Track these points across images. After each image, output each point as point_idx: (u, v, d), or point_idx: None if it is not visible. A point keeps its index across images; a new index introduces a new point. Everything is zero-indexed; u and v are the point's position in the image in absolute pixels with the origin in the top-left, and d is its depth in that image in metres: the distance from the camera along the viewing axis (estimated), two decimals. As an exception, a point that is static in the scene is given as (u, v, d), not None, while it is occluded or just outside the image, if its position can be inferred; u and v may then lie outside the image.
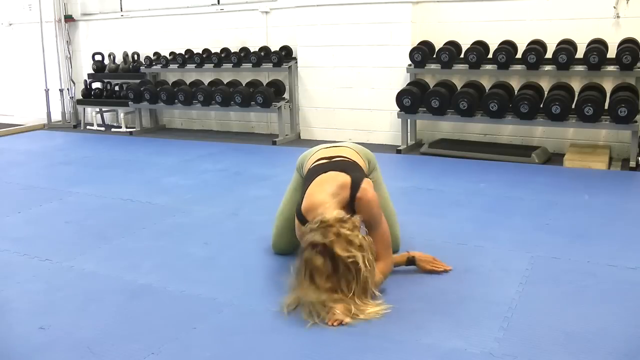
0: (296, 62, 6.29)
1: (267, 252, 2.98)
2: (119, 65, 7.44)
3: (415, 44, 5.62)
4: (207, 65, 6.69)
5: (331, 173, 2.52)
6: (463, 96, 5.13)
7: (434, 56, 5.48)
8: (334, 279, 2.19)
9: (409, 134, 5.66)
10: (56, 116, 7.82)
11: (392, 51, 5.73)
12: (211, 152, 5.68)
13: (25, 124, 7.70)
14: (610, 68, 4.84)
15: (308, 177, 2.64)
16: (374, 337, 2.13)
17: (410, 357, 2.00)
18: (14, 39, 8.41)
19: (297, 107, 6.43)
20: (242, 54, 6.48)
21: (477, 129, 5.64)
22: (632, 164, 4.66)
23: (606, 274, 2.63)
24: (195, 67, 6.77)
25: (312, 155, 2.84)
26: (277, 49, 6.40)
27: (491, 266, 2.74)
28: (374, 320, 2.24)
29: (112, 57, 7.50)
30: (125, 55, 7.38)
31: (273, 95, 6.18)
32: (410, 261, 2.65)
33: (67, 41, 7.79)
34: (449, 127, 5.73)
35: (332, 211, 2.31)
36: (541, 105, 4.91)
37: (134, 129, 7.09)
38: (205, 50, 6.81)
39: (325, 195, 2.42)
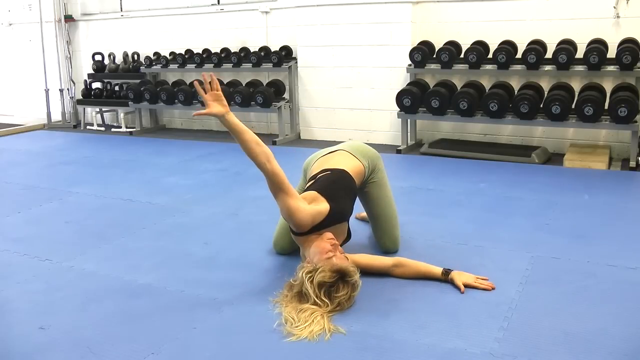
0: (296, 62, 6.29)
1: (267, 252, 2.98)
2: (119, 65, 7.44)
3: (415, 44, 5.62)
4: (207, 65, 6.69)
5: None
6: (463, 96, 5.13)
7: (434, 56, 5.48)
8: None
9: (409, 134, 5.67)
10: (56, 116, 7.82)
11: (392, 51, 5.73)
12: (211, 152, 5.68)
13: (25, 124, 7.70)
14: (610, 68, 4.84)
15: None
16: (374, 337, 2.13)
17: (410, 357, 2.00)
18: (14, 39, 8.41)
19: (297, 107, 6.43)
20: (242, 54, 6.48)
21: (477, 129, 5.64)
22: (632, 164, 4.66)
23: (606, 274, 2.63)
24: (195, 67, 6.76)
25: (313, 166, 2.88)
26: (277, 49, 6.40)
27: (491, 266, 2.73)
28: (374, 320, 2.24)
29: (112, 57, 7.50)
30: (125, 55, 7.38)
31: (273, 95, 6.18)
32: (446, 273, 2.55)
33: (67, 41, 7.79)
34: (449, 127, 5.73)
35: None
36: (541, 105, 4.91)
37: (134, 129, 7.09)
38: (205, 50, 6.81)
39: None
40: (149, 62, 7.08)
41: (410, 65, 5.59)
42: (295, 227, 2.49)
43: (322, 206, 2.51)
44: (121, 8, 7.61)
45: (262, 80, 6.58)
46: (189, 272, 2.78)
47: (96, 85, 7.65)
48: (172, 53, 6.96)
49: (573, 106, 4.82)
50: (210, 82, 2.41)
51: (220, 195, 4.13)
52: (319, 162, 2.86)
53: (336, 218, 2.55)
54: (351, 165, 2.78)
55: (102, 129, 7.45)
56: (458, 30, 5.58)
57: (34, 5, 7.82)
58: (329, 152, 2.91)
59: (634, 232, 3.18)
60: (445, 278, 2.55)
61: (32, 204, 4.01)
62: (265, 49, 6.47)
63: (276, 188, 2.43)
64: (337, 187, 2.64)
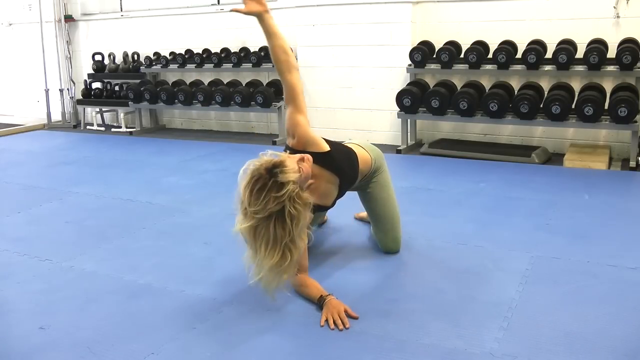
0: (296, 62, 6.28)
1: (267, 252, 2.98)
2: (119, 65, 7.44)
3: (415, 44, 5.62)
4: (207, 65, 6.69)
5: None
6: (463, 96, 5.13)
7: (434, 56, 5.48)
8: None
9: (409, 134, 5.67)
10: (56, 116, 7.82)
11: (392, 51, 5.73)
12: (211, 152, 5.68)
13: (25, 124, 7.70)
14: (610, 68, 4.84)
15: None
16: (374, 337, 2.13)
17: (410, 357, 2.00)
18: (14, 39, 8.41)
19: (297, 107, 6.41)
20: (242, 54, 6.48)
21: (477, 129, 5.64)
22: (632, 164, 4.66)
23: (606, 274, 2.63)
24: (195, 67, 6.77)
25: None
26: (277, 49, 6.39)
27: (491, 266, 2.74)
28: (374, 320, 2.24)
29: (112, 57, 7.50)
30: (125, 55, 7.38)
31: (273, 95, 6.18)
32: (321, 301, 2.33)
33: (67, 41, 7.79)
34: (449, 127, 5.73)
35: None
36: (541, 105, 4.91)
37: (134, 129, 7.09)
38: (205, 50, 6.81)
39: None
40: (149, 62, 7.08)
41: (410, 65, 5.59)
42: (292, 140, 2.47)
43: (323, 144, 2.51)
44: (121, 8, 7.60)
45: (262, 80, 6.58)
46: (189, 272, 2.77)
47: (96, 85, 7.65)
48: (172, 53, 6.96)
49: (573, 106, 4.82)
50: None
51: (220, 195, 4.12)
52: None
53: (327, 165, 2.49)
54: (360, 153, 2.76)
55: (102, 129, 7.45)
56: (458, 30, 5.58)
57: (34, 5, 7.82)
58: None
59: (634, 232, 3.18)
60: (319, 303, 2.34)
61: (32, 204, 4.01)
62: (265, 49, 6.47)
63: (288, 99, 2.49)
64: (344, 157, 2.61)
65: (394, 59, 5.73)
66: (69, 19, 7.79)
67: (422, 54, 5.45)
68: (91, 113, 7.62)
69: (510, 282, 2.55)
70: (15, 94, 8.61)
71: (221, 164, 5.11)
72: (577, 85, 5.05)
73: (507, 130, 5.52)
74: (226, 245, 3.11)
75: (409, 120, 5.61)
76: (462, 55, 5.41)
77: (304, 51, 6.19)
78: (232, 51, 6.61)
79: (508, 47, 5.19)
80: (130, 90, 6.90)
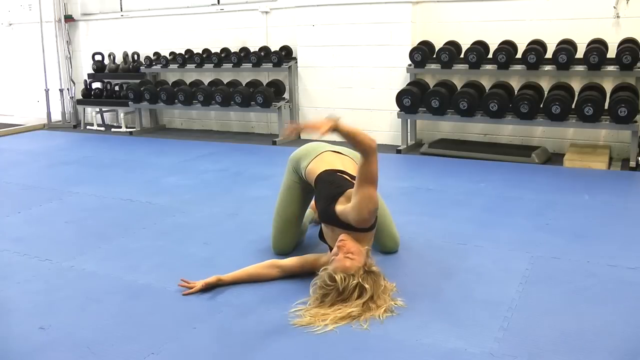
0: (296, 62, 6.30)
1: (267, 252, 2.98)
2: (119, 65, 7.44)
3: (415, 44, 5.62)
4: (207, 65, 6.69)
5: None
6: (463, 96, 5.13)
7: (434, 56, 5.48)
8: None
9: (409, 134, 5.66)
10: (56, 116, 7.82)
11: (392, 51, 5.73)
12: (211, 152, 5.68)
13: (25, 124, 7.70)
14: (610, 68, 4.84)
15: (328, 181, 2.64)
16: (374, 337, 2.13)
17: (410, 357, 2.00)
18: (14, 39, 8.41)
19: (297, 107, 6.43)
20: (242, 54, 6.48)
21: (477, 129, 5.64)
22: (632, 164, 4.66)
23: (606, 274, 2.63)
24: (195, 67, 6.77)
25: (320, 157, 2.80)
26: (277, 49, 6.40)
27: (491, 266, 2.74)
28: (374, 319, 2.24)
29: (112, 57, 7.50)
30: (125, 55, 7.38)
31: (273, 95, 6.18)
32: None
33: (67, 41, 7.79)
34: (449, 127, 5.73)
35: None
36: (541, 105, 4.91)
37: (134, 129, 7.09)
38: (205, 50, 6.81)
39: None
40: (149, 62, 7.08)
41: (410, 65, 5.59)
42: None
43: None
44: (121, 8, 7.61)
45: (262, 80, 6.58)
46: (189, 272, 2.77)
47: (96, 85, 7.65)
48: (172, 53, 6.96)
49: (573, 106, 4.82)
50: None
51: (220, 195, 4.13)
52: (333, 159, 2.80)
53: None
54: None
55: (102, 129, 7.44)
56: (458, 30, 5.58)
57: (34, 5, 7.82)
58: (339, 152, 2.88)
59: (634, 232, 3.18)
60: None
61: (32, 204, 4.01)
62: (265, 49, 6.47)
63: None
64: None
65: (394, 59, 5.73)
66: (69, 19, 7.79)
67: (422, 54, 5.45)
68: (91, 113, 7.62)
69: (510, 282, 2.55)
70: (15, 94, 8.61)
71: (221, 164, 5.11)
72: (577, 85, 5.05)
73: (507, 130, 5.52)
74: (226, 245, 3.12)
75: (409, 120, 5.61)
76: (462, 55, 5.41)
77: (304, 51, 6.19)
78: (232, 51, 6.61)
79: (508, 47, 5.19)
80: (130, 90, 6.90)
